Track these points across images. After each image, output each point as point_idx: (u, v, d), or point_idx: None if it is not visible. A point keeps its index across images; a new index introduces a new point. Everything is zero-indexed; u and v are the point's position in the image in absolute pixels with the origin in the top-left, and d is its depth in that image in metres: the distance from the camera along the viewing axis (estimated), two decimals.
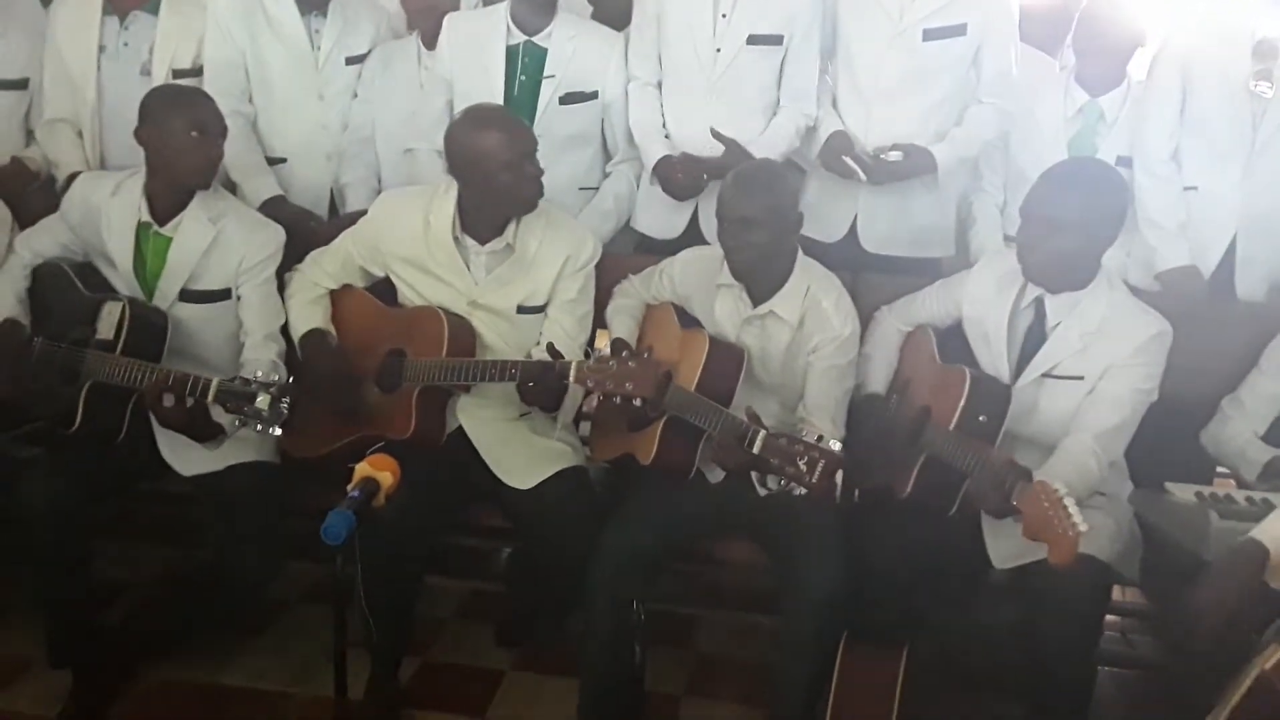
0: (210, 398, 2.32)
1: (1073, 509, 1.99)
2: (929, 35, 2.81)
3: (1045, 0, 3.17)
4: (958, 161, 2.88)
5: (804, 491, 2.15)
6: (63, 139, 3.12)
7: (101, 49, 3.07)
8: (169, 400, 2.36)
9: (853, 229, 2.94)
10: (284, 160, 3.15)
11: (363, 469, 2.01)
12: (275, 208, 2.97)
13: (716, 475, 2.58)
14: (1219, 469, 2.78)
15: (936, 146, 2.83)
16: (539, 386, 2.45)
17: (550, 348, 2.45)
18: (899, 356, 2.70)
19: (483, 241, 2.61)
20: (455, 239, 2.61)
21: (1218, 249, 2.83)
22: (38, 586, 2.56)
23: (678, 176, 2.89)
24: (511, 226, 2.60)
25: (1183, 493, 2.33)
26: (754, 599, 3.09)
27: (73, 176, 3.03)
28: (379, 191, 3.16)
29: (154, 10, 3.09)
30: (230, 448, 2.61)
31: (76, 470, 2.50)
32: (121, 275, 2.64)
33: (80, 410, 2.48)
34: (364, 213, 3.04)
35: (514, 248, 2.60)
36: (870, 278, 2.84)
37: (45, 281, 2.70)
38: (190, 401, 2.39)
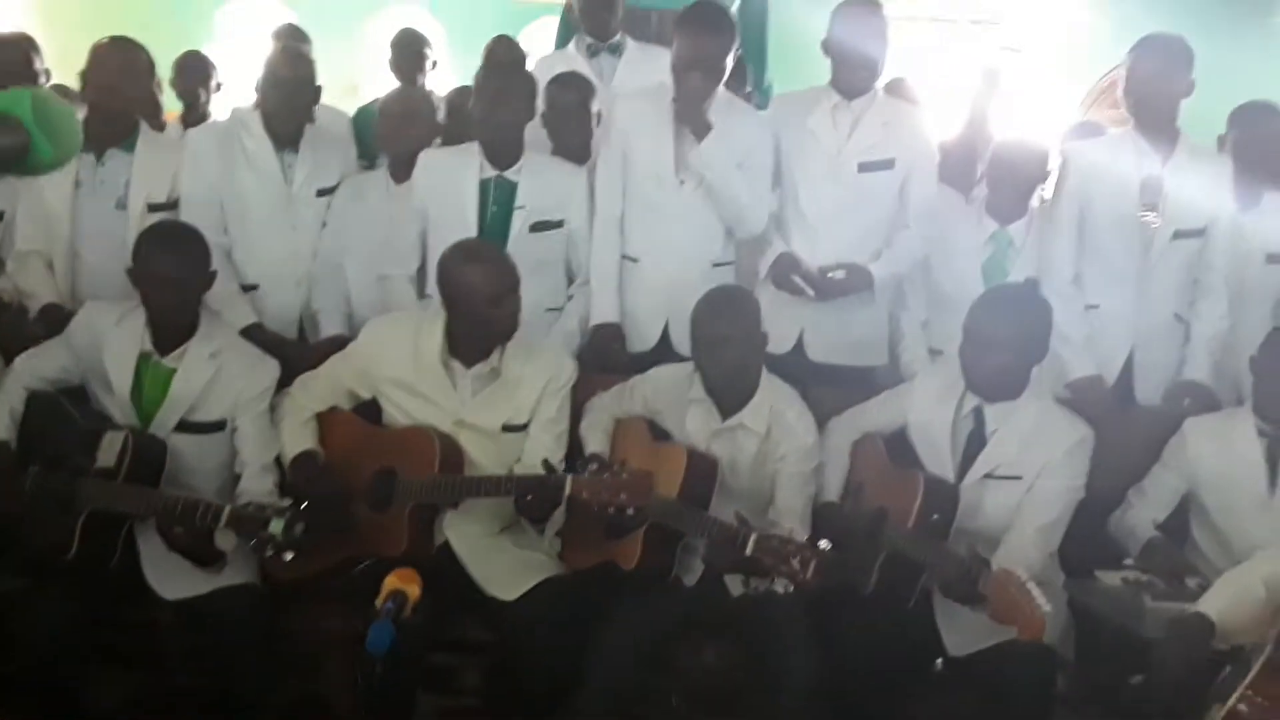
0: (222, 524, 2.41)
1: (1036, 592, 2.25)
2: (863, 168, 3.15)
3: (955, 144, 3.57)
4: (891, 278, 3.20)
5: (792, 588, 2.35)
6: (34, 270, 3.19)
7: (78, 184, 3.17)
8: (180, 526, 2.44)
9: (799, 341, 3.22)
10: (256, 287, 3.29)
11: (391, 582, 2.13)
12: (253, 335, 3.09)
13: (692, 578, 2.77)
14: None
15: (873, 265, 3.14)
16: (535, 500, 2.61)
17: (545, 463, 2.62)
18: (849, 462, 2.95)
19: (469, 364, 2.77)
20: (444, 363, 2.77)
21: (1118, 359, 3.18)
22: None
23: (612, 345, 3.17)
24: (497, 351, 2.77)
25: (1110, 579, 2.62)
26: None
27: (48, 308, 3.12)
28: (350, 317, 3.32)
29: (129, 148, 3.22)
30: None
31: (70, 599, 2.52)
32: (118, 402, 2.72)
33: (77, 538, 2.53)
34: (340, 338, 3.22)
35: (500, 371, 2.78)
36: (818, 391, 3.09)
37: (36, 408, 2.75)
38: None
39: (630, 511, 2.50)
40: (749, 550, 2.43)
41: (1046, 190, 3.39)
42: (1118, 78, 9.06)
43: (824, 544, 2.34)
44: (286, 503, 2.43)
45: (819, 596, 2.84)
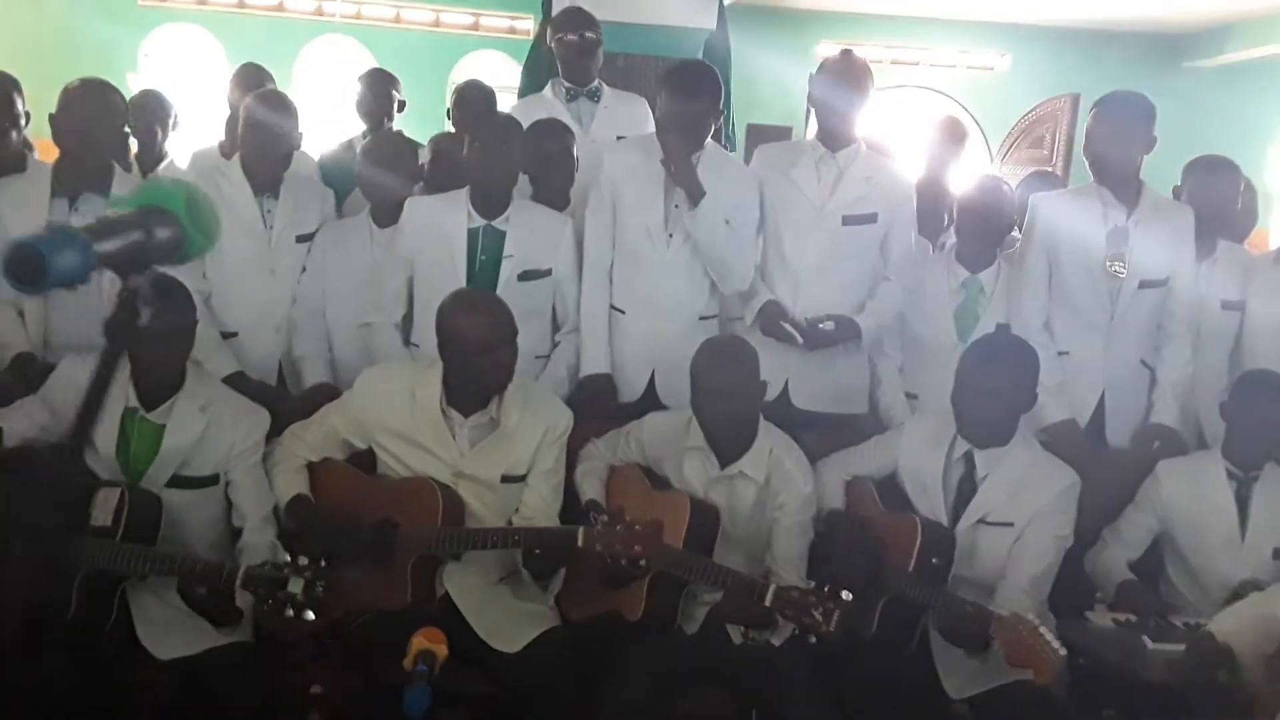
0: (238, 584, 2.36)
1: (1048, 635, 2.32)
2: (847, 221, 3.22)
3: (920, 192, 3.67)
4: (877, 329, 3.28)
5: (814, 640, 2.38)
6: (4, 319, 3.09)
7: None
8: (201, 589, 2.38)
9: (785, 388, 3.26)
10: (235, 334, 3.22)
11: (419, 643, 2.12)
12: (236, 384, 3.02)
13: (693, 625, 2.79)
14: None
15: (859, 316, 3.22)
16: (544, 553, 2.60)
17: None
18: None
19: (467, 414, 2.76)
20: (442, 413, 2.76)
21: (1090, 404, 3.29)
22: None
23: (603, 396, 3.19)
24: (495, 400, 2.77)
25: (1102, 619, 2.71)
26: None
27: (20, 357, 3.02)
28: (332, 363, 3.28)
29: (104, 192, 3.13)
30: (207, 630, 2.59)
31: (67, 661, 2.44)
32: (104, 460, 2.64)
33: (74, 599, 2.45)
34: (325, 385, 3.17)
35: (498, 421, 2.77)
36: (803, 438, 3.13)
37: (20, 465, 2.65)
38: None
39: (643, 563, 2.51)
40: (768, 601, 2.45)
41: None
42: (1034, 119, 9.34)
43: (846, 595, 2.38)
44: (303, 560, 2.37)
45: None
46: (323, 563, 2.37)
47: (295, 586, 2.31)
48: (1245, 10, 8.71)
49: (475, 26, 9.79)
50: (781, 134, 8.09)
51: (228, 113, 4.22)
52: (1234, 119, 8.83)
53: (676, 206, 3.14)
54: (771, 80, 7.94)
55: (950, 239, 3.74)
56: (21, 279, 1.16)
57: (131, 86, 8.47)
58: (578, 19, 3.76)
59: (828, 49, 9.92)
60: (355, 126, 4.40)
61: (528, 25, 9.60)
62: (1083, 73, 9.32)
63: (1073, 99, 8.86)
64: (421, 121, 4.61)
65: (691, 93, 3.06)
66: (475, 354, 2.68)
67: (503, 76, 9.51)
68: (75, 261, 1.18)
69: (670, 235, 3.17)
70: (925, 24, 9.56)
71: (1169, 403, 3.26)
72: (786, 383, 3.26)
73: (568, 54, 3.75)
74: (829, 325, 3.16)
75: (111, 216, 1.26)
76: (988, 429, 2.77)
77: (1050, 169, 8.01)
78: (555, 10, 4.21)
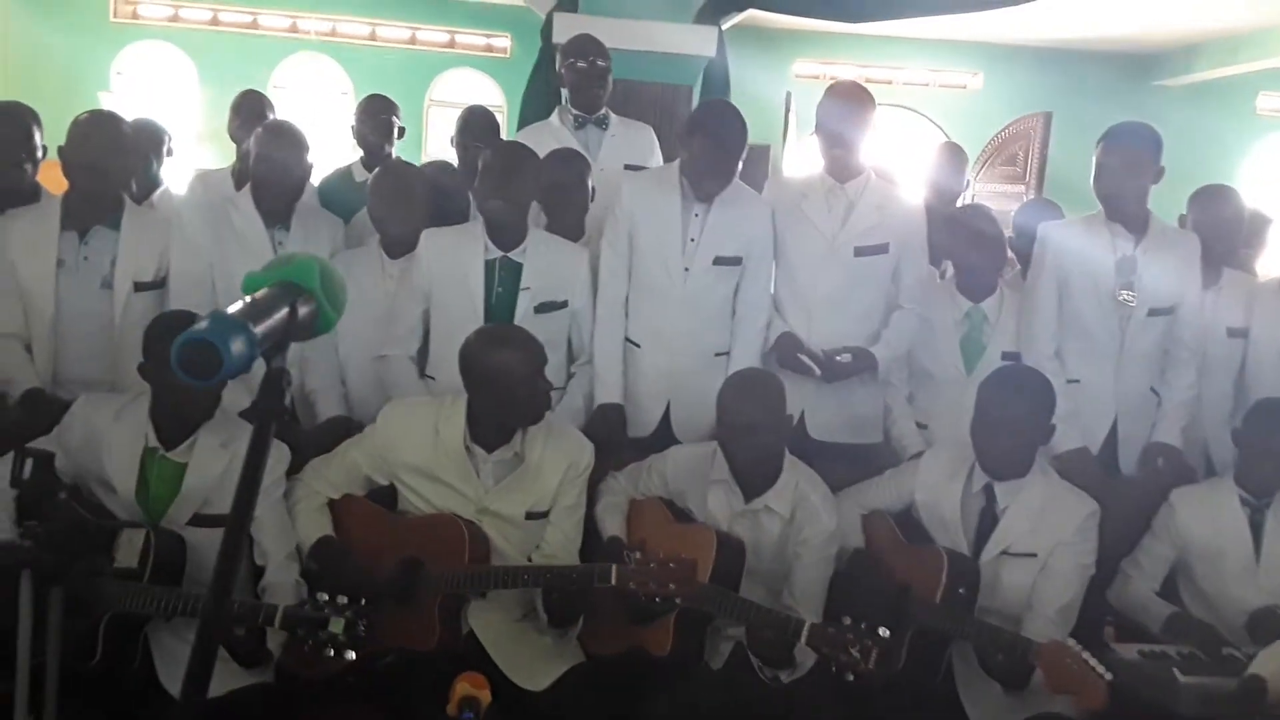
0: (277, 624, 2.32)
1: (1093, 660, 2.33)
2: (859, 252, 3.24)
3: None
4: (893, 360, 3.30)
5: (851, 677, 2.38)
6: (12, 355, 3.03)
7: (60, 263, 3.03)
8: (239, 629, 2.34)
9: (800, 419, 3.26)
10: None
11: (462, 688, 2.08)
12: (250, 418, 2.97)
13: (718, 661, 2.78)
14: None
15: (875, 348, 3.23)
16: (567, 597, 2.58)
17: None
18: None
19: (490, 450, 2.74)
20: (466, 448, 2.73)
21: (1101, 432, 3.32)
22: None
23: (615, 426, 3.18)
24: (518, 435, 2.75)
25: (1127, 652, 2.72)
26: None
27: (30, 393, 2.96)
28: (346, 396, 3.24)
29: (115, 225, 3.09)
30: (229, 671, 2.55)
31: (93, 707, 2.40)
32: (122, 500, 2.59)
33: (100, 643, 2.40)
34: (341, 419, 3.13)
35: (522, 456, 2.75)
36: (820, 468, 3.12)
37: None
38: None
39: (678, 601, 2.49)
40: (804, 639, 2.45)
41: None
42: (1006, 136, 9.42)
43: (883, 631, 2.37)
44: (343, 600, 2.33)
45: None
46: (362, 601, 2.33)
47: (336, 626, 2.28)
48: (1212, 30, 8.89)
49: (451, 44, 9.77)
50: (761, 152, 8.13)
51: (196, 130, 4.15)
52: (1202, 136, 9.01)
53: (692, 240, 3.14)
54: (749, 99, 7.99)
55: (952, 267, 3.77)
56: (199, 375, 1.14)
57: (104, 104, 8.41)
58: (588, 46, 3.75)
59: (804, 68, 10.02)
60: (334, 146, 4.33)
61: (505, 43, 9.60)
62: (1054, 91, 9.48)
63: (1045, 117, 8.97)
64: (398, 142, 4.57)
65: (726, 134, 3.08)
66: (515, 387, 2.66)
67: (480, 95, 9.51)
68: (245, 349, 1.16)
69: (686, 270, 3.17)
70: (898, 43, 9.67)
71: (1171, 422, 3.30)
72: (802, 413, 3.26)
73: (578, 81, 3.74)
74: (846, 358, 3.17)
75: (260, 298, 1.22)
76: (1007, 462, 2.79)
77: (1031, 190, 8.11)
78: (557, 35, 4.21)
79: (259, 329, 1.18)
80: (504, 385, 2.66)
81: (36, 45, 9.01)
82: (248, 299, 1.23)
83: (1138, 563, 3.06)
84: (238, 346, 1.16)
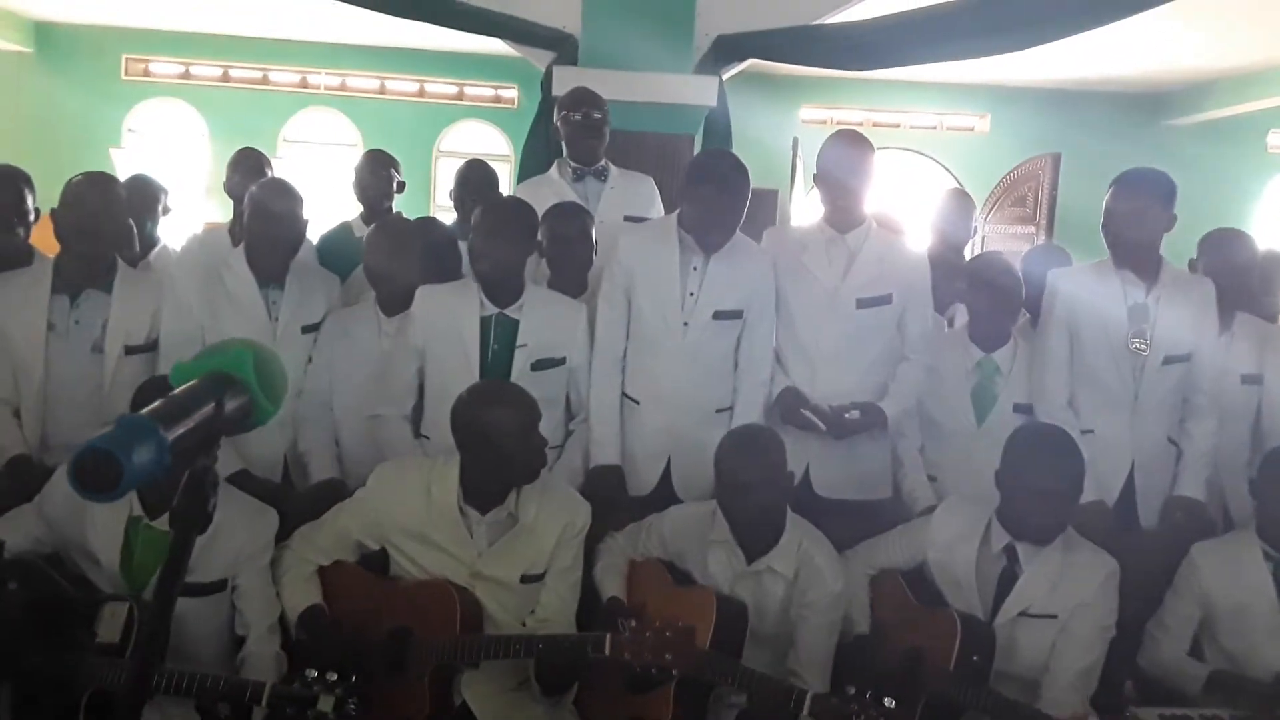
0: (264, 702, 2.24)
1: None
2: (862, 304, 3.16)
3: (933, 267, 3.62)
4: (902, 414, 3.21)
5: None
6: (0, 420, 2.98)
7: (50, 328, 2.98)
8: (224, 708, 2.26)
9: (805, 475, 3.17)
10: None
11: None
12: (240, 482, 2.92)
13: None
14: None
15: (884, 403, 3.14)
16: (560, 666, 2.49)
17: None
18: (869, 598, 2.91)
19: (484, 511, 2.67)
20: (460, 509, 2.66)
21: (1116, 484, 3.21)
22: None
23: (612, 488, 3.09)
24: (513, 495, 2.68)
25: (1148, 715, 2.62)
26: None
27: (16, 460, 2.91)
28: (340, 457, 3.18)
29: (107, 288, 3.05)
30: None
31: None
32: (105, 571, 2.53)
33: None
34: (334, 481, 3.07)
35: (516, 517, 2.67)
36: (825, 526, 3.03)
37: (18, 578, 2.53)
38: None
39: (675, 672, 2.41)
40: (806, 710, 2.35)
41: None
42: (1015, 178, 9.35)
43: (889, 702, 2.28)
44: (333, 676, 2.25)
45: None
46: (354, 678, 2.25)
47: (326, 705, 2.20)
48: (1220, 69, 8.85)
49: (460, 96, 9.81)
50: (768, 197, 8.12)
51: (205, 184, 4.14)
52: (1213, 175, 8.91)
53: (691, 294, 3.08)
54: (755, 145, 8.00)
55: (961, 315, 3.69)
56: (96, 488, 1.02)
57: (115, 160, 8.46)
58: (585, 99, 3.71)
59: (810, 113, 10.02)
60: (343, 199, 4.32)
61: (512, 94, 9.64)
62: (1063, 131, 9.43)
63: (1054, 158, 8.92)
64: (408, 194, 4.56)
65: (728, 185, 3.02)
66: (509, 444, 2.59)
67: (489, 146, 9.54)
68: (150, 457, 1.03)
69: (686, 324, 3.10)
70: (905, 87, 9.65)
71: (1194, 474, 3.20)
72: (807, 469, 3.17)
73: (574, 134, 3.70)
74: (854, 414, 3.08)
75: (178, 395, 1.13)
76: (1044, 528, 2.67)
77: (1041, 232, 8.04)
78: (556, 88, 4.18)
79: (174, 431, 1.07)
80: (496, 443, 2.59)
81: (50, 102, 9.10)
82: (170, 394, 1.14)
83: (1164, 624, 2.95)
84: (143, 455, 1.03)
